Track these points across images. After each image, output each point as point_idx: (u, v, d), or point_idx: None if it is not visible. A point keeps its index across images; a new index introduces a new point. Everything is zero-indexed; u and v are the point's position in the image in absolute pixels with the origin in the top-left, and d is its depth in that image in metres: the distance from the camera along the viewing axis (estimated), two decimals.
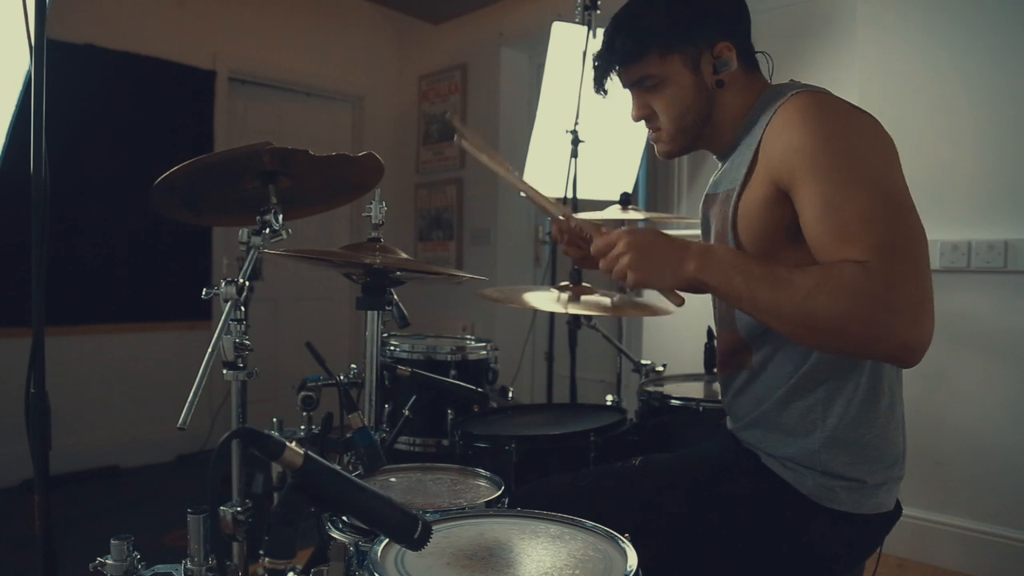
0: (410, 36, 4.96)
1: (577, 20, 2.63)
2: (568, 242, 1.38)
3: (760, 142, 1.10)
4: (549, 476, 1.49)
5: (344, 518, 1.05)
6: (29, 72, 1.30)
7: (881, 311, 0.90)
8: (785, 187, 1.04)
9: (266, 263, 1.34)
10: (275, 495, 1.32)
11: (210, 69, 4.07)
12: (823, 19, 3.19)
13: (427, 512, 1.02)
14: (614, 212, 2.23)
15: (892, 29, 2.65)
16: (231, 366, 1.26)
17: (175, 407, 1.02)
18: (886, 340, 0.91)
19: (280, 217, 1.32)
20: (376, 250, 1.48)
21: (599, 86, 1.25)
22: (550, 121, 2.79)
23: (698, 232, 1.37)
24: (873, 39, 2.70)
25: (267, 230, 1.31)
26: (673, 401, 1.85)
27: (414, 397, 1.70)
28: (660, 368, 2.23)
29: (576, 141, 2.67)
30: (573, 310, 1.88)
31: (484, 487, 1.23)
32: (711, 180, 1.29)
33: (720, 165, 1.28)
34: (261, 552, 0.78)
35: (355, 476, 0.86)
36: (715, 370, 2.04)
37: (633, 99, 1.25)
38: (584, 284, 1.94)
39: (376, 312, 1.49)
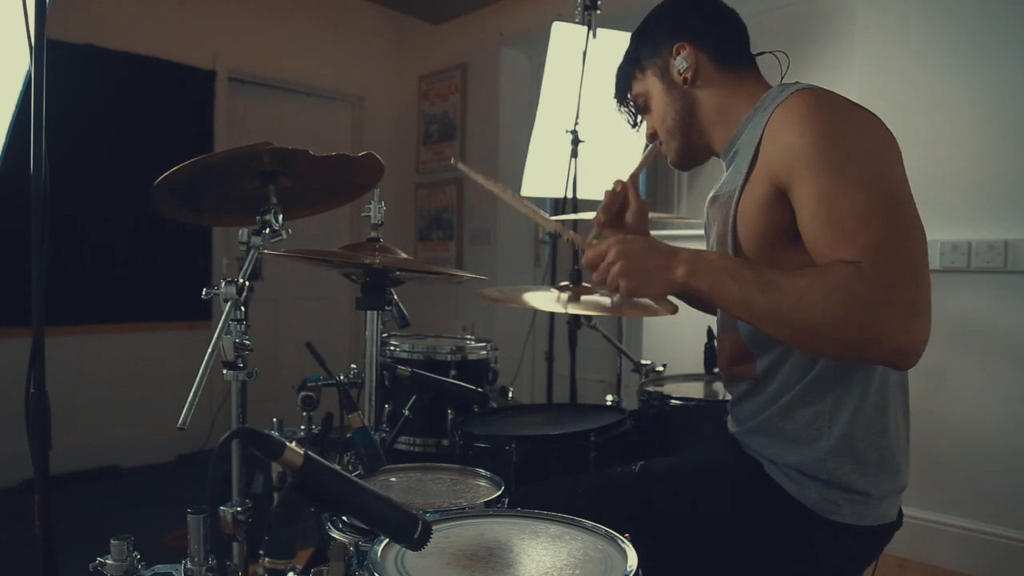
0: (410, 36, 4.96)
1: (577, 20, 2.62)
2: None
3: (760, 141, 1.08)
4: (549, 477, 1.48)
5: (344, 518, 1.05)
6: (29, 72, 1.30)
7: (874, 313, 0.88)
8: (783, 186, 1.03)
9: (266, 263, 1.34)
10: (275, 495, 1.32)
11: (210, 69, 4.08)
12: (823, 19, 3.19)
13: (427, 512, 1.02)
14: None
15: (892, 29, 2.65)
16: (231, 366, 1.26)
17: (175, 407, 1.01)
18: (880, 342, 0.89)
19: (280, 217, 1.32)
20: (376, 250, 1.47)
21: (629, 122, 1.40)
22: (550, 121, 2.79)
23: (699, 232, 1.37)
24: (873, 39, 2.70)
25: (267, 230, 1.30)
26: (673, 401, 1.84)
27: (414, 397, 1.70)
28: (660, 368, 2.22)
29: (576, 141, 2.66)
30: (573, 310, 1.87)
31: (484, 487, 1.23)
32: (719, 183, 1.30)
33: (725, 168, 1.28)
34: (261, 552, 0.78)
35: (355, 476, 0.85)
36: (715, 370, 2.05)
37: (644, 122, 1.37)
38: (584, 284, 1.94)
39: (376, 312, 1.49)
